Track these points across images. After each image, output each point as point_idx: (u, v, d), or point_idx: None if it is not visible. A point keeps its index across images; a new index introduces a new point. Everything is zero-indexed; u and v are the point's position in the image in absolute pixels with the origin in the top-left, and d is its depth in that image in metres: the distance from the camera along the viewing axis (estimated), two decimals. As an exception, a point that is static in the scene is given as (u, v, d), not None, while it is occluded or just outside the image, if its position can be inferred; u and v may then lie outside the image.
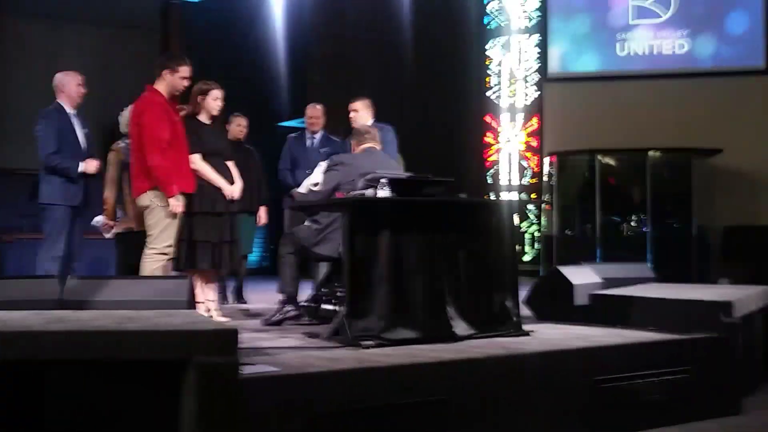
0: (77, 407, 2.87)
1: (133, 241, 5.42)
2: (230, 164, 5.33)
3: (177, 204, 4.80)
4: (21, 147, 8.55)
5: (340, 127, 6.65)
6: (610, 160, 9.56)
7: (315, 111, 6.85)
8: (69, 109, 5.58)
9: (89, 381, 2.88)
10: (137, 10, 10.71)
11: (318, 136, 6.79)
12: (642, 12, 10.60)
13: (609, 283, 5.15)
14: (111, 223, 5.84)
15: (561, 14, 10.91)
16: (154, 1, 10.95)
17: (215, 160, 5.18)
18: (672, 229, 9.10)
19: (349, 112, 5.99)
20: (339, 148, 6.36)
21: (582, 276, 5.13)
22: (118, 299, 3.73)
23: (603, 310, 4.84)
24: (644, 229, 8.81)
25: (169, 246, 4.86)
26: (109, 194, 5.83)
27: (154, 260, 4.80)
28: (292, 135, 6.98)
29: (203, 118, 5.19)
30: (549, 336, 4.38)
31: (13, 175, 8.58)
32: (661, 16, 10.55)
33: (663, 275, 5.78)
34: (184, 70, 5.00)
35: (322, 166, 5.15)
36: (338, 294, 4.76)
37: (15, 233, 8.22)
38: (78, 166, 5.45)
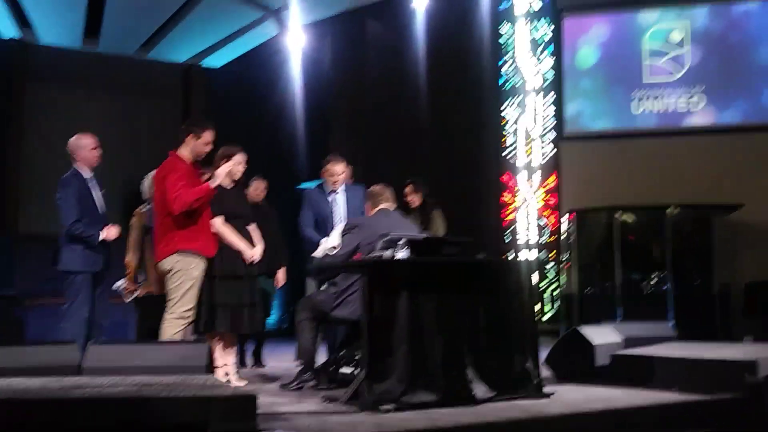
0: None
1: (153, 305, 5.47)
2: (251, 227, 5.38)
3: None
4: (43, 211, 8.70)
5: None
6: (629, 217, 9.53)
7: (338, 167, 6.31)
8: (86, 174, 5.63)
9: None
10: (159, 75, 10.97)
11: (341, 189, 6.30)
12: (655, 70, 10.69)
13: (630, 342, 5.10)
14: (132, 287, 5.89)
15: (574, 73, 11.02)
16: (176, 67, 11.21)
17: (236, 223, 5.24)
18: (693, 287, 9.01)
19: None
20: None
21: (602, 336, 5.09)
22: (138, 364, 3.75)
23: (624, 370, 4.79)
24: (665, 287, 8.73)
25: (189, 310, 4.89)
26: (130, 258, 5.89)
27: (174, 325, 4.83)
28: (313, 188, 6.53)
29: (225, 182, 5.26)
30: (570, 398, 4.33)
31: (35, 240, 8.69)
32: (674, 74, 10.63)
33: (685, 334, 5.72)
34: (208, 135, 5.10)
35: (338, 229, 5.19)
36: (356, 357, 4.74)
37: (36, 298, 8.28)
38: (100, 233, 5.50)
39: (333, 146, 11.06)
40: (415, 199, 6.69)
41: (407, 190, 6.64)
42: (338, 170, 6.35)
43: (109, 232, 5.53)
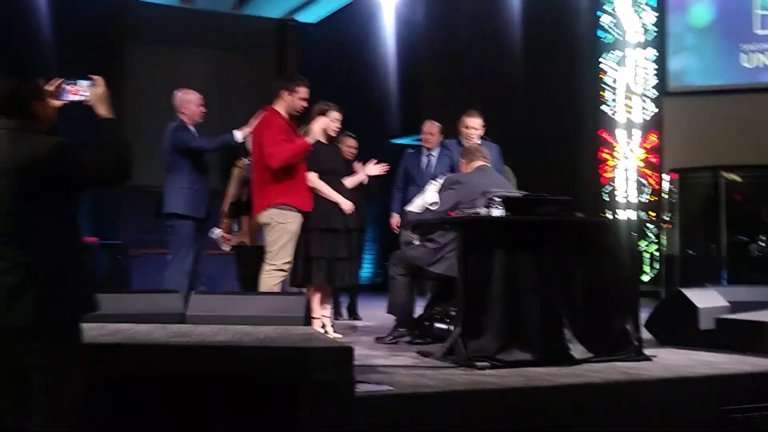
0: (197, 420, 2.95)
1: (251, 255, 5.59)
2: (346, 182, 5.41)
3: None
4: (145, 164, 8.96)
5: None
6: (735, 177, 9.12)
7: (431, 127, 6.72)
8: (190, 128, 5.78)
9: (209, 395, 2.95)
10: (253, 31, 11.07)
11: (435, 153, 6.63)
12: (767, 21, 10.09)
13: (736, 306, 4.90)
14: (228, 236, 6.04)
15: (679, 26, 10.52)
16: (271, 23, 11.28)
17: (331, 178, 5.27)
18: (804, 250, 8.59)
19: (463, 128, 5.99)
20: (442, 158, 6.25)
21: (707, 299, 4.90)
22: (239, 314, 3.84)
23: (730, 335, 4.60)
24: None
25: (288, 263, 4.97)
26: (228, 208, 6.04)
27: (273, 276, 4.92)
28: (410, 151, 6.86)
29: (321, 138, 5.27)
30: (672, 362, 4.20)
31: (138, 192, 9.00)
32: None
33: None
34: (303, 91, 5.12)
35: (435, 184, 5.14)
36: (452, 313, 4.72)
37: (141, 248, 8.60)
38: (235, 132, 5.54)
39: (425, 104, 10.98)
40: None
41: None
42: (431, 129, 6.43)
43: (244, 131, 5.53)
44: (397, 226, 6.63)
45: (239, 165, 6.08)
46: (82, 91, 2.65)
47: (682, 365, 4.09)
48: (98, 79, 2.68)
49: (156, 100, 8.88)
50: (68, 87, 2.64)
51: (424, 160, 6.64)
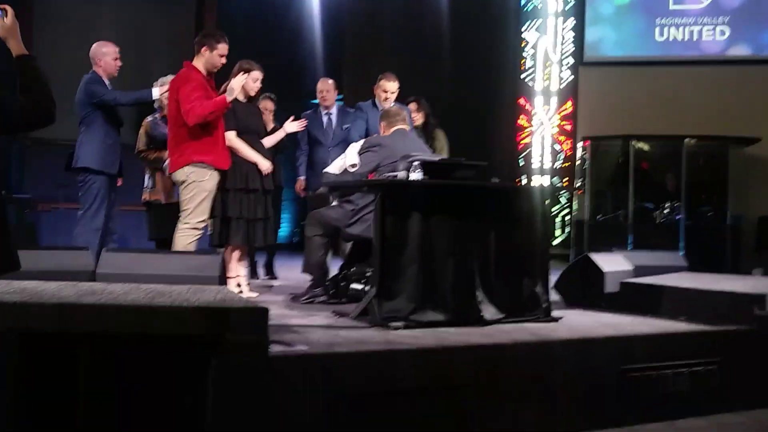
0: (107, 379, 2.91)
1: (164, 213, 5.52)
2: (265, 141, 5.37)
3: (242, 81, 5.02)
4: (57, 116, 8.66)
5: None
6: (644, 146, 9.44)
7: (324, 85, 6.63)
8: (105, 81, 5.63)
9: (120, 354, 2.91)
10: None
11: (334, 111, 6.61)
12: (682, -3, 10.41)
13: (640, 271, 5.11)
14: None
15: (598, -2, 10.74)
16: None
17: (250, 138, 5.21)
18: (706, 218, 8.98)
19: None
20: (357, 121, 6.22)
21: (613, 263, 5.09)
22: (151, 273, 3.78)
23: (633, 298, 4.80)
24: (677, 217, 8.70)
25: (203, 221, 4.91)
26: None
27: (187, 235, 4.85)
28: (308, 112, 6.67)
29: (240, 96, 5.19)
30: (578, 323, 4.36)
31: (49, 145, 8.70)
32: (702, 2, 10.34)
33: (695, 265, 5.71)
34: (223, 48, 5.02)
35: (355, 146, 5.14)
36: (367, 274, 4.77)
37: (49, 203, 8.34)
38: (152, 89, 5.51)
39: (347, 66, 10.92)
40: (418, 117, 6.60)
41: (411, 107, 6.53)
42: (324, 87, 6.40)
43: (162, 89, 5.48)
44: (302, 189, 6.63)
45: (144, 123, 5.97)
46: None
47: (587, 326, 4.25)
48: (8, 8, 2.44)
49: (71, 51, 8.56)
50: None
51: (324, 119, 6.59)
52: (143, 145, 5.93)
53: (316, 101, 6.81)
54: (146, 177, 6.02)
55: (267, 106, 6.61)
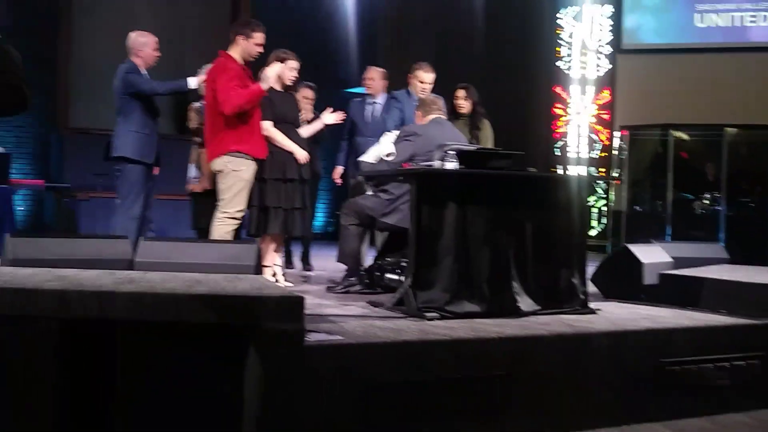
0: (145, 366, 2.94)
1: (207, 203, 5.52)
2: (301, 131, 5.37)
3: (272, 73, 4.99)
4: (95, 106, 8.76)
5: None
6: (684, 136, 9.29)
7: (372, 72, 6.47)
8: (142, 71, 5.65)
9: (157, 342, 2.93)
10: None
11: (380, 100, 6.42)
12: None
13: (679, 263, 5.02)
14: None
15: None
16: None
17: (287, 127, 5.22)
18: (747, 209, 8.81)
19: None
20: (392, 110, 6.15)
21: (652, 255, 5.01)
22: (188, 262, 3.80)
23: (672, 290, 4.73)
24: (718, 208, 8.55)
25: (240, 211, 4.93)
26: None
27: (225, 224, 4.88)
28: (356, 100, 6.60)
29: (276, 86, 5.20)
30: (616, 315, 4.30)
31: (88, 134, 8.80)
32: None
33: (736, 257, 5.60)
34: (259, 37, 5.03)
35: (390, 136, 5.12)
36: (402, 264, 4.76)
37: (88, 192, 8.45)
38: (188, 79, 5.52)
39: (381, 54, 10.88)
40: (466, 105, 6.51)
41: (459, 93, 6.44)
42: (370, 75, 6.32)
43: (199, 78, 5.48)
44: (340, 178, 6.58)
45: (191, 108, 5.98)
46: None
47: (625, 318, 4.19)
48: None
49: (105, 41, 8.64)
50: None
51: (369, 108, 6.42)
52: (196, 123, 5.89)
53: (351, 90, 6.76)
54: (191, 167, 5.97)
55: (306, 94, 6.57)
